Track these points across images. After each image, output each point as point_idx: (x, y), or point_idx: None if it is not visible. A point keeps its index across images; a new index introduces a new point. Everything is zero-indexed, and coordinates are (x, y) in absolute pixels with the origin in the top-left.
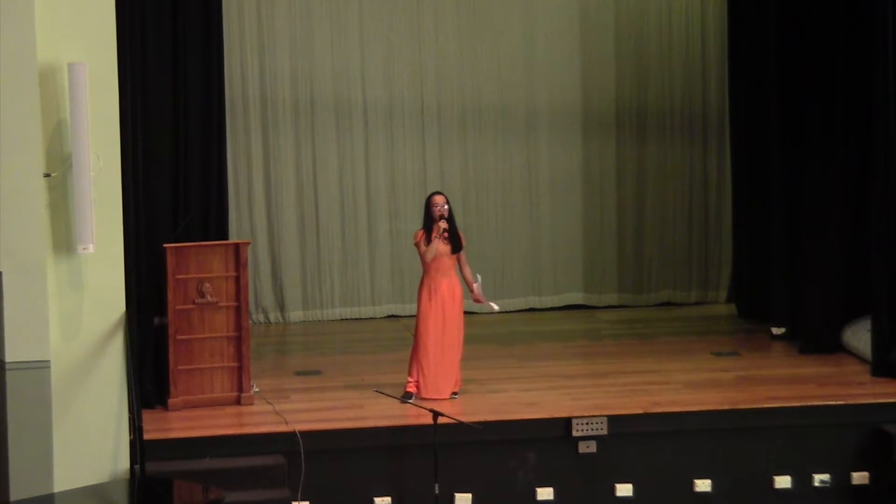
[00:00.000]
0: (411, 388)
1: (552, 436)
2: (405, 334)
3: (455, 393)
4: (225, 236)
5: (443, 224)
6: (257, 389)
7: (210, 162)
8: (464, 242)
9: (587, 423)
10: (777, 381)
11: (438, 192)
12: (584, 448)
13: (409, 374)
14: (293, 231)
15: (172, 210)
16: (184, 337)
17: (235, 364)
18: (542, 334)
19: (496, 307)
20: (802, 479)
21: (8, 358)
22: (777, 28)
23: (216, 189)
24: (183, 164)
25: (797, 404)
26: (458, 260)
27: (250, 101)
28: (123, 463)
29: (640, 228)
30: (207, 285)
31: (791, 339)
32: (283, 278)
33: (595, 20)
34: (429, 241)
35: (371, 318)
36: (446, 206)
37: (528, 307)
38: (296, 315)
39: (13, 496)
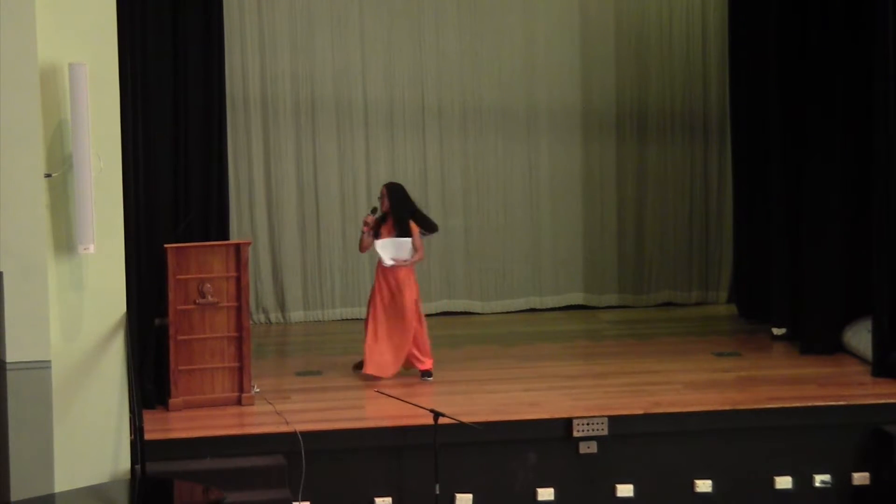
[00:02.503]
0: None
1: (553, 436)
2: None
3: (424, 373)
4: (225, 236)
5: (369, 219)
6: (258, 390)
7: (211, 162)
8: (415, 239)
9: (588, 424)
10: (778, 382)
11: (386, 184)
12: (584, 448)
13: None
14: (294, 231)
15: (173, 210)
16: (184, 337)
17: (236, 364)
18: (542, 335)
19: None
20: (803, 480)
21: (8, 358)
22: (777, 29)
23: (217, 189)
24: (184, 165)
25: (798, 405)
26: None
27: (251, 100)
28: (124, 463)
29: (641, 229)
30: (208, 285)
31: (792, 340)
32: (284, 278)
33: (595, 21)
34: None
35: None
36: (383, 200)
37: (528, 307)
38: (296, 315)
39: (14, 496)
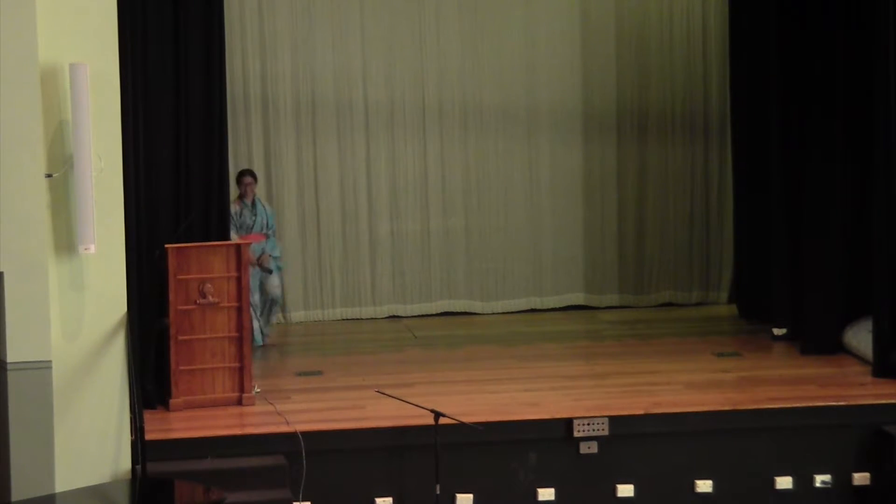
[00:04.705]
0: None
1: (553, 436)
2: (406, 335)
3: None
4: (226, 237)
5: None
6: (258, 390)
7: (211, 162)
8: None
9: (588, 424)
10: (778, 382)
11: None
12: (585, 448)
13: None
14: (294, 231)
15: (174, 210)
16: (185, 337)
17: (236, 364)
18: (543, 335)
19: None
20: (803, 480)
21: (9, 358)
22: (778, 29)
23: (217, 189)
24: (184, 165)
25: (798, 405)
26: None
27: (251, 101)
28: (125, 463)
29: (642, 229)
30: (209, 286)
31: (792, 340)
32: (284, 278)
33: (596, 21)
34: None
35: (372, 319)
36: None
37: (529, 308)
38: (297, 315)
39: (15, 496)
